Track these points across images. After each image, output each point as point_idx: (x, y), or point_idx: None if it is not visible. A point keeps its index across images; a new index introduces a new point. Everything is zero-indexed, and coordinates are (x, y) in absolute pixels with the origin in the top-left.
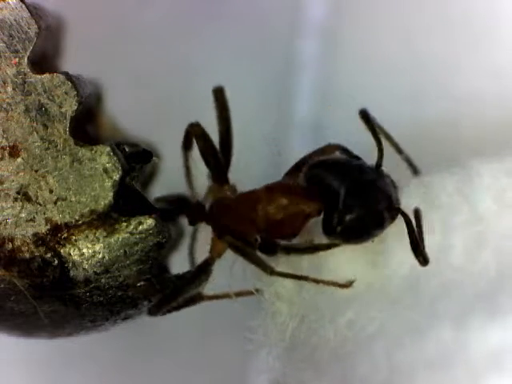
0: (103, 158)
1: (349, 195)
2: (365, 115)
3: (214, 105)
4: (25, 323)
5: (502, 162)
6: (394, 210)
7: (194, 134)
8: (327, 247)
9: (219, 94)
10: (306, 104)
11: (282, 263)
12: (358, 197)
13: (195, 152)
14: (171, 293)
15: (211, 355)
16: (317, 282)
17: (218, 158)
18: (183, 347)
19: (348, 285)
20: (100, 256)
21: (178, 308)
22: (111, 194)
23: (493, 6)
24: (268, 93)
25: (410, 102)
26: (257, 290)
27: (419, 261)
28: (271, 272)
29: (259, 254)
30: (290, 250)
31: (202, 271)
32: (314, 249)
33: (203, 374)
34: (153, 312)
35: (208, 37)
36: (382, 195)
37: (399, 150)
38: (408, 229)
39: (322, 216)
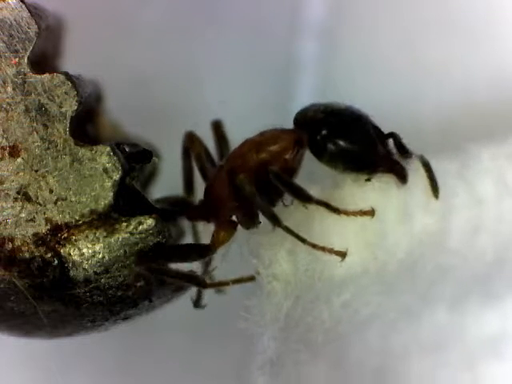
0: (103, 158)
1: (335, 117)
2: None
3: (213, 137)
4: (25, 323)
5: (500, 146)
6: (384, 139)
7: (188, 143)
8: (318, 202)
9: (218, 127)
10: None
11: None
12: (345, 118)
13: None
14: (159, 251)
15: (207, 335)
16: (314, 247)
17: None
18: (180, 332)
19: (343, 253)
20: (100, 256)
21: (171, 275)
22: (111, 194)
23: (492, 6)
24: (268, 93)
25: (409, 101)
26: (258, 273)
27: (400, 176)
28: (280, 224)
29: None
30: (278, 178)
31: (198, 250)
32: (298, 193)
33: (199, 353)
34: (138, 263)
35: (208, 37)
36: (372, 125)
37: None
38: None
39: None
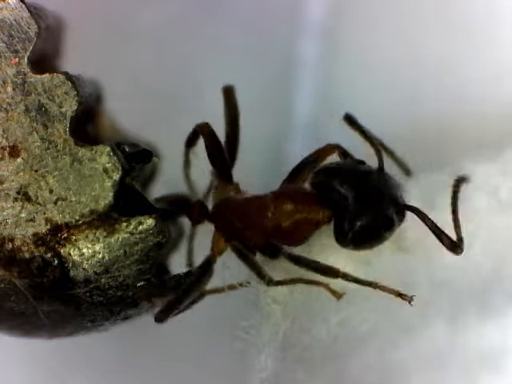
0: (103, 158)
1: (357, 201)
2: (349, 119)
3: (223, 103)
4: (25, 323)
5: (495, 161)
6: (402, 210)
7: (202, 133)
8: (327, 270)
9: (229, 94)
10: (306, 104)
11: (278, 267)
12: (366, 203)
13: (197, 151)
14: (177, 298)
15: (205, 354)
16: (310, 283)
17: (225, 158)
18: (177, 347)
19: (339, 294)
20: (100, 256)
21: (182, 310)
22: (111, 194)
23: (492, 6)
24: (268, 93)
25: (408, 102)
26: (248, 283)
27: (452, 250)
28: (269, 282)
29: (260, 257)
30: (293, 259)
31: (204, 271)
32: (316, 268)
33: (196, 373)
34: (160, 319)
35: (208, 37)
36: (389, 199)
37: (391, 153)
38: (425, 222)
39: (332, 224)
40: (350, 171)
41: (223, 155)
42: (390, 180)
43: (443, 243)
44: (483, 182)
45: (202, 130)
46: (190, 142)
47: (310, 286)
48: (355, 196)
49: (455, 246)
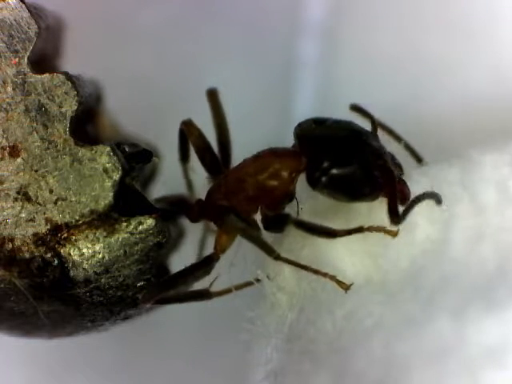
0: (103, 158)
1: (335, 145)
2: (356, 108)
3: (209, 107)
4: (25, 323)
5: (502, 153)
6: (384, 169)
7: (186, 130)
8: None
9: (213, 96)
10: (306, 104)
11: (282, 252)
12: (344, 147)
13: (194, 167)
14: (165, 282)
15: (210, 346)
16: (316, 272)
17: (213, 155)
18: (182, 338)
19: (346, 286)
20: (100, 256)
21: (178, 300)
22: (111, 193)
23: (491, 6)
24: (268, 93)
25: (409, 101)
26: (257, 280)
27: (392, 220)
28: (276, 256)
29: (265, 234)
30: (300, 225)
31: (202, 266)
32: (323, 232)
33: (202, 364)
34: (144, 299)
35: (208, 37)
36: (370, 150)
37: (399, 139)
38: (389, 188)
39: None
40: (332, 120)
41: (211, 152)
42: (378, 140)
43: (388, 209)
44: (491, 173)
45: (186, 128)
46: (182, 144)
47: (317, 276)
48: (333, 140)
49: (398, 218)
